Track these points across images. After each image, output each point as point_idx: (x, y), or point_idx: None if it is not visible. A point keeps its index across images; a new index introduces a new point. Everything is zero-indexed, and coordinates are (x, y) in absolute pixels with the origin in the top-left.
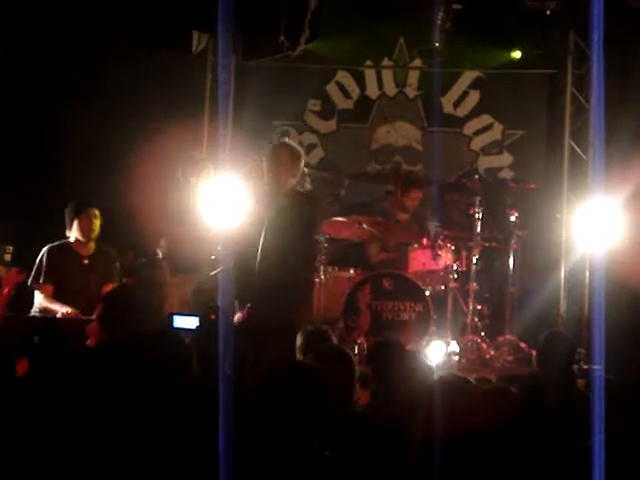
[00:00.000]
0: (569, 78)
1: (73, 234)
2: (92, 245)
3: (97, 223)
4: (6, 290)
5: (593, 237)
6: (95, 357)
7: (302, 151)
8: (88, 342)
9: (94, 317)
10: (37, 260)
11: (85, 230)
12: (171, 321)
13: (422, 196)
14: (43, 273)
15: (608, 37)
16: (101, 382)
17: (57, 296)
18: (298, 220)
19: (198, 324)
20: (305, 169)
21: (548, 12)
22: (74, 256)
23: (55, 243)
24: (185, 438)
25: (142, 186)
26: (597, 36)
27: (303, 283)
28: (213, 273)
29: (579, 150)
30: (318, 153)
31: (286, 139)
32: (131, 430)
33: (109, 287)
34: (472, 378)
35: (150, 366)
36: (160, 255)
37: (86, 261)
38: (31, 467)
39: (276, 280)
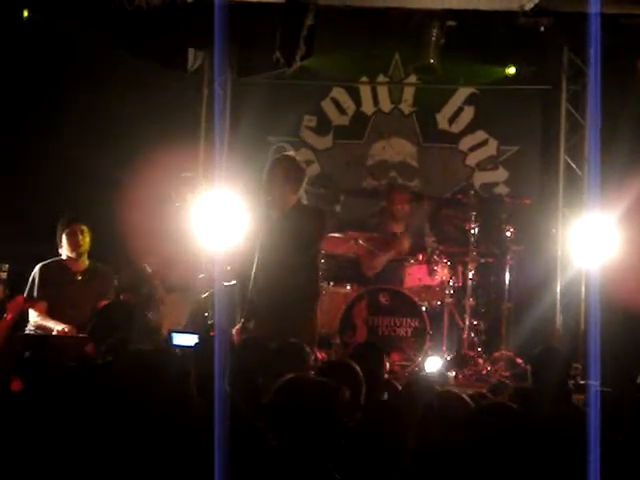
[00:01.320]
0: (564, 94)
1: (63, 251)
2: (85, 261)
3: (84, 238)
4: (9, 317)
5: (589, 252)
6: (88, 374)
7: (302, 165)
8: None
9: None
10: (30, 278)
11: (72, 245)
12: (170, 338)
13: (409, 199)
14: (36, 291)
15: (602, 53)
16: (94, 400)
17: (51, 313)
18: (299, 234)
19: (197, 342)
20: None
21: (542, 28)
22: (67, 272)
23: (47, 261)
24: (181, 455)
25: (138, 204)
26: (593, 52)
27: (306, 299)
28: (207, 293)
29: (574, 166)
30: (314, 169)
31: (291, 152)
32: (124, 449)
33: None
34: (467, 394)
35: (144, 383)
36: (149, 270)
37: (79, 277)
38: None
39: (277, 296)
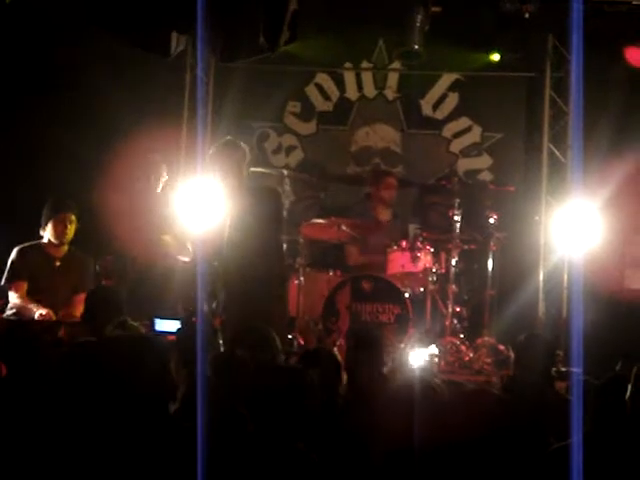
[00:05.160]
0: (547, 81)
1: (46, 235)
2: (65, 248)
3: (71, 228)
4: None
5: (571, 240)
6: (69, 358)
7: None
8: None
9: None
10: (9, 261)
11: (58, 233)
12: (153, 324)
13: (397, 185)
14: (16, 272)
15: (586, 41)
16: (74, 384)
17: (28, 296)
18: (257, 216)
19: (179, 327)
20: (284, 170)
21: (527, 15)
22: (45, 257)
23: (27, 244)
24: (161, 441)
25: (118, 188)
26: (576, 39)
27: (270, 279)
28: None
29: (558, 153)
30: (298, 155)
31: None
32: (105, 432)
33: (81, 293)
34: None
35: (125, 369)
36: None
37: (58, 263)
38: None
39: (242, 277)
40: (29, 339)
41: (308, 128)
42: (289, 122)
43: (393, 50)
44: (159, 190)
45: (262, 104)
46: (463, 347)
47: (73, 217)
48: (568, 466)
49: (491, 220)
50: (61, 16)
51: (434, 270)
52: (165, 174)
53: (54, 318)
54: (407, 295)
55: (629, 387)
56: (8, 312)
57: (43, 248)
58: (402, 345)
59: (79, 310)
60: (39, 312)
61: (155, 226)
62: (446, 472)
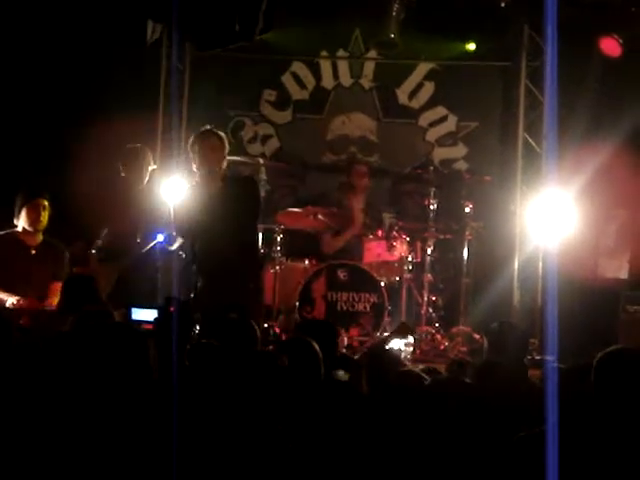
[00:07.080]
0: (523, 71)
1: (20, 223)
2: (40, 236)
3: (45, 214)
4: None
5: (546, 229)
6: (47, 347)
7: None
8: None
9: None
10: None
11: (32, 219)
12: (129, 313)
13: (368, 172)
14: None
15: (562, 30)
16: (51, 373)
17: (3, 286)
18: (236, 204)
19: (157, 316)
20: (260, 159)
21: (503, 4)
22: (20, 246)
23: (1, 232)
24: (139, 429)
25: (94, 177)
26: (550, 29)
27: (247, 266)
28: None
29: (533, 143)
30: (274, 144)
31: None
32: (82, 422)
33: (58, 282)
34: (419, 369)
35: (102, 357)
36: (98, 244)
37: (33, 251)
38: None
39: (219, 264)
40: (2, 327)
41: (284, 117)
42: (265, 111)
43: (369, 39)
44: (147, 179)
45: (238, 92)
46: (438, 336)
47: (46, 203)
48: (537, 454)
49: (466, 209)
50: (34, 3)
51: (410, 259)
52: (152, 163)
53: (26, 306)
54: (383, 284)
55: (592, 373)
56: None
57: (18, 236)
58: (377, 334)
59: (57, 298)
60: (11, 300)
61: (144, 217)
62: (418, 460)
